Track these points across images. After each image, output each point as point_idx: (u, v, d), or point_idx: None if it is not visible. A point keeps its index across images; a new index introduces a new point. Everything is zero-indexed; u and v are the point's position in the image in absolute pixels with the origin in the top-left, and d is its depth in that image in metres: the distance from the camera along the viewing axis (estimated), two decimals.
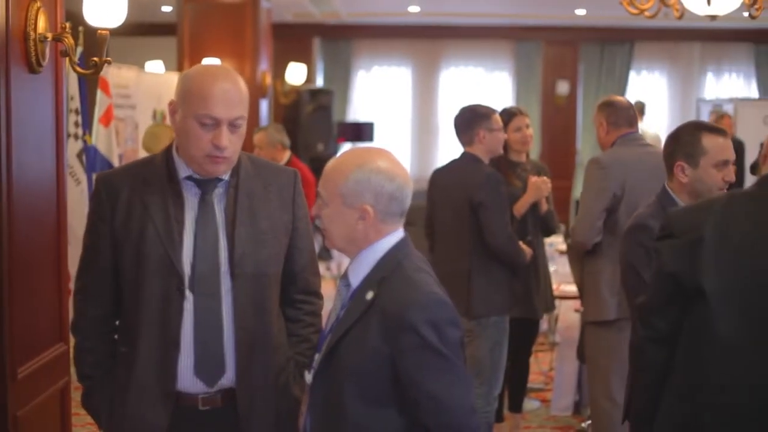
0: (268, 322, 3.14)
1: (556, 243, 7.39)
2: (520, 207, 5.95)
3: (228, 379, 3.07)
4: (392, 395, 2.59)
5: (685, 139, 3.80)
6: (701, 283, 2.76)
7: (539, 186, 5.98)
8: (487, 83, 16.47)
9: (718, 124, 11.90)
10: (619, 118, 5.32)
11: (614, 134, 5.33)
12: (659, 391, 2.95)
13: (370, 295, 2.62)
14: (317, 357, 2.76)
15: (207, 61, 10.25)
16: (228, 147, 2.98)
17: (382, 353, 2.56)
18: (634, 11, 8.40)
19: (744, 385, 2.73)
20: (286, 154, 8.35)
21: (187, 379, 3.05)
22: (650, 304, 2.96)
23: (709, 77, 16.66)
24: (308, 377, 2.78)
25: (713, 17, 8.45)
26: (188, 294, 3.02)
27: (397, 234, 2.72)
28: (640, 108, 11.93)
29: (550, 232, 6.28)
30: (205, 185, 3.08)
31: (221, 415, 3.09)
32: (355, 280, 2.71)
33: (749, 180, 11.90)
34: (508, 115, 6.17)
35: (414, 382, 2.56)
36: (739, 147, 12.01)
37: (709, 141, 3.78)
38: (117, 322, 3.20)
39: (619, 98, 5.47)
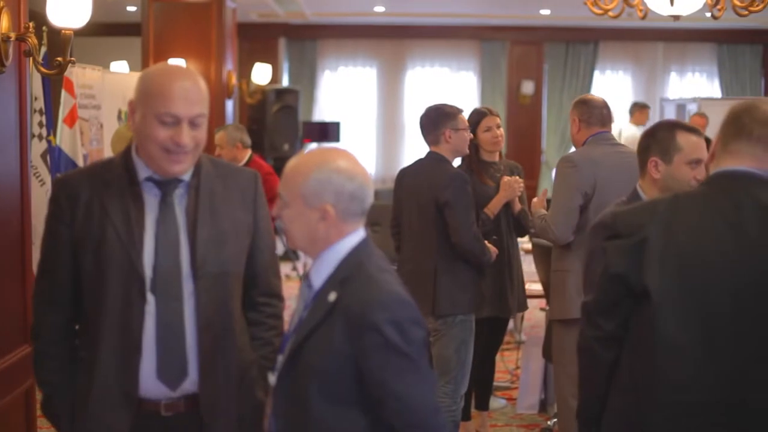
0: (231, 324, 3.12)
1: (521, 242, 7.40)
2: (493, 207, 5.96)
3: (191, 382, 3.04)
4: (356, 395, 2.58)
5: (661, 136, 3.83)
6: (647, 282, 2.77)
7: (512, 185, 6.00)
8: (452, 83, 16.52)
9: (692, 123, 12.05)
10: (592, 116, 5.35)
11: (586, 132, 5.36)
12: (606, 389, 2.96)
13: (332, 296, 2.61)
14: (280, 358, 2.75)
15: (172, 61, 10.19)
16: (188, 144, 2.96)
17: (345, 354, 2.56)
18: (598, 11, 8.44)
19: (698, 384, 2.75)
20: (247, 153, 8.33)
21: (150, 384, 3.01)
22: (596, 305, 2.95)
23: (673, 77, 16.81)
24: (272, 379, 2.77)
25: (676, 17, 8.51)
26: (150, 297, 2.98)
27: (359, 234, 2.71)
28: (641, 107, 11.92)
29: (523, 231, 6.30)
30: (165, 186, 3.04)
31: (184, 421, 3.06)
32: (318, 280, 2.69)
33: None
34: (478, 115, 6.19)
35: (378, 382, 2.56)
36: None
37: (683, 139, 3.82)
38: (77, 327, 3.15)
39: (595, 97, 5.49)
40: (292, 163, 2.72)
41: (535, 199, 5.67)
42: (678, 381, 2.76)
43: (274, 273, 3.33)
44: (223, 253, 3.08)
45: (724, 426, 2.75)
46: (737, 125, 2.87)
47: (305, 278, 2.75)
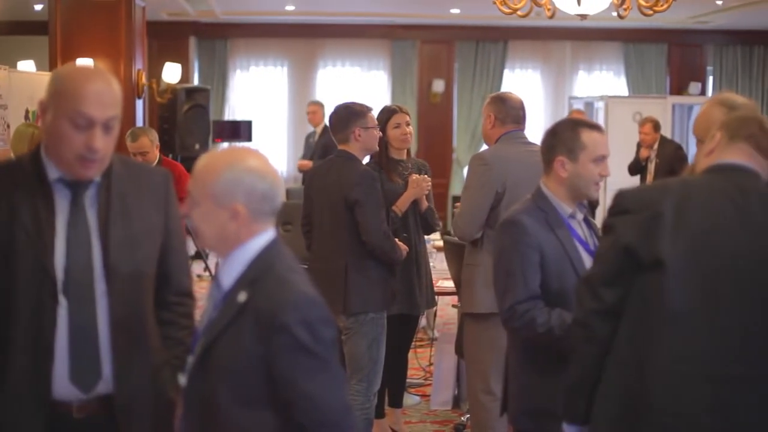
0: (144, 325, 3.10)
1: (433, 239, 7.46)
2: (401, 204, 6.00)
3: (105, 384, 3.02)
4: (267, 395, 2.58)
5: (566, 135, 3.86)
6: (660, 254, 2.90)
7: (419, 183, 6.04)
8: (363, 82, 16.54)
9: (644, 130, 12.00)
10: (507, 115, 5.37)
11: (499, 130, 5.38)
12: (599, 364, 3.03)
13: (242, 296, 2.61)
14: (190, 359, 2.74)
15: (80, 60, 10.07)
16: (101, 149, 2.93)
17: (255, 354, 2.56)
18: (507, 11, 8.55)
19: (700, 356, 2.88)
20: (158, 153, 8.28)
21: (63, 387, 2.98)
22: (601, 275, 3.04)
23: (581, 75, 17.00)
24: (182, 380, 2.76)
25: (583, 16, 8.66)
26: (62, 299, 2.95)
27: (269, 234, 2.71)
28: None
29: (430, 229, 6.35)
30: (76, 187, 3.01)
31: (98, 422, 3.03)
32: (227, 280, 2.69)
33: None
34: (387, 112, 6.23)
35: (288, 382, 2.56)
36: (679, 150, 12.22)
37: (587, 136, 3.85)
38: None
39: (513, 96, 5.51)
40: (202, 162, 2.71)
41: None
42: (681, 352, 2.88)
43: (185, 272, 3.33)
44: (136, 253, 3.06)
45: (724, 398, 2.87)
46: (748, 132, 3.10)
47: (215, 278, 2.74)
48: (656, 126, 11.90)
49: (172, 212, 3.23)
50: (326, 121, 11.76)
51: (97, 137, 2.91)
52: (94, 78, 2.96)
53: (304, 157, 12.86)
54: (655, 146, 11.90)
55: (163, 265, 3.20)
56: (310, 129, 13.16)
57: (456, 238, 5.75)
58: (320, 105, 12.95)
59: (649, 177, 11.84)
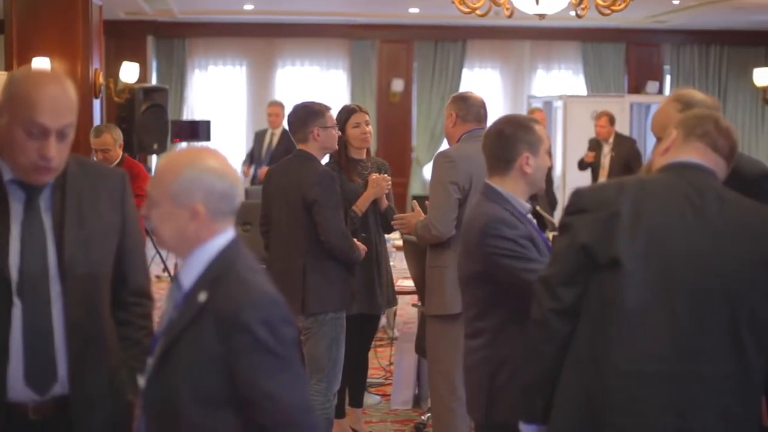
0: (101, 326, 3.08)
1: (393, 238, 7.46)
2: (361, 204, 6.00)
3: (61, 386, 2.99)
4: (228, 396, 2.57)
5: (523, 132, 3.88)
6: (617, 253, 2.91)
7: (379, 183, 6.04)
8: (322, 81, 16.52)
9: (600, 123, 12.20)
10: (468, 113, 5.40)
11: (461, 128, 5.41)
12: (558, 363, 3.04)
13: (203, 297, 2.60)
14: (150, 360, 2.71)
15: (37, 59, 9.99)
16: (54, 158, 2.91)
17: (216, 354, 2.55)
18: (466, 10, 8.55)
19: (652, 354, 2.90)
20: (121, 153, 8.21)
21: (18, 389, 2.95)
22: (558, 275, 3.04)
23: (539, 74, 17.07)
24: (141, 381, 2.73)
25: (542, 16, 8.68)
26: (16, 300, 2.93)
27: (228, 233, 2.69)
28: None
29: (390, 228, 6.35)
30: (30, 188, 2.99)
31: (54, 424, 3.01)
32: (187, 281, 2.67)
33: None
34: (347, 112, 6.22)
35: (249, 382, 2.55)
36: (634, 145, 12.44)
37: (540, 130, 3.92)
38: None
39: (474, 95, 5.54)
40: (161, 163, 2.70)
41: (409, 214, 5.70)
42: (638, 351, 2.90)
43: (143, 272, 3.31)
44: (91, 254, 3.04)
45: (678, 397, 2.89)
46: (703, 130, 3.12)
47: (175, 279, 2.72)
48: (611, 119, 12.10)
49: (130, 212, 3.21)
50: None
51: (51, 146, 2.89)
52: (49, 84, 2.93)
53: (255, 156, 12.81)
54: (611, 140, 12.10)
55: (120, 266, 3.18)
56: (263, 128, 13.14)
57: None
58: (281, 106, 12.85)
59: (603, 172, 12.02)
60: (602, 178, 11.96)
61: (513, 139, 3.90)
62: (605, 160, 12.05)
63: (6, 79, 3.00)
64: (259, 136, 13.13)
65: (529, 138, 3.88)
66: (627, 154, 11.96)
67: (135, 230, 3.24)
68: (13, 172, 2.97)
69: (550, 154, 3.98)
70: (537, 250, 3.79)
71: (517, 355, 3.64)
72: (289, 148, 10.90)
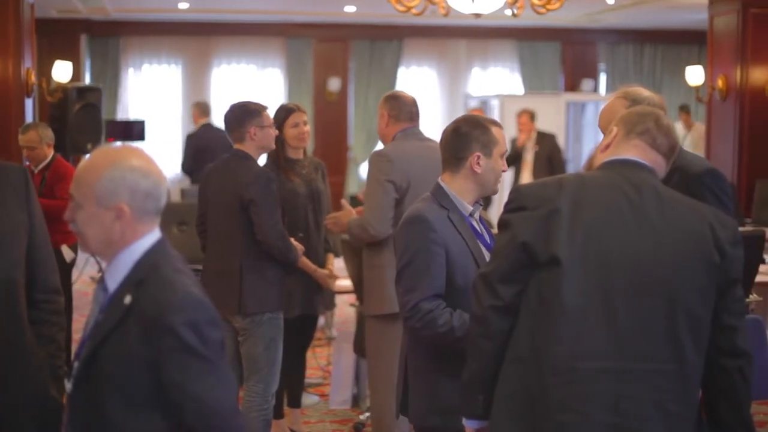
0: (21, 328, 3.04)
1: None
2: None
3: None
4: (155, 399, 2.54)
5: (478, 132, 3.88)
6: (556, 251, 2.93)
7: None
8: (258, 80, 16.46)
9: (522, 120, 12.76)
10: (401, 112, 5.41)
11: (394, 127, 5.41)
12: (498, 360, 3.04)
13: (128, 299, 2.56)
14: (76, 364, 2.67)
15: None
16: None
17: (142, 357, 2.52)
18: (402, 9, 8.56)
19: (591, 351, 2.91)
20: (52, 152, 8.09)
21: None
22: (498, 272, 3.04)
23: (476, 73, 17.13)
24: (68, 386, 2.69)
25: (477, 15, 8.72)
26: None
27: (154, 234, 2.66)
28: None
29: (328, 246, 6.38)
30: None
31: None
32: (113, 283, 2.63)
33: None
34: (285, 111, 6.20)
35: (176, 385, 2.53)
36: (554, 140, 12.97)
37: (497, 132, 3.91)
38: None
39: (405, 94, 5.55)
40: (83, 164, 2.66)
41: (341, 213, 5.69)
42: (577, 348, 2.91)
43: (51, 269, 3.27)
44: (5, 258, 3.00)
45: (616, 394, 2.90)
46: (643, 127, 3.15)
47: (100, 281, 2.68)
48: (532, 116, 12.66)
49: (34, 209, 3.18)
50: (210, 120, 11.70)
51: None
52: None
53: (185, 157, 12.84)
54: (533, 136, 12.59)
55: (29, 264, 3.14)
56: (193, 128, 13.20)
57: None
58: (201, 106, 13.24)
59: (526, 165, 12.45)
60: (525, 173, 12.49)
61: (467, 137, 3.89)
62: (528, 155, 12.53)
63: None
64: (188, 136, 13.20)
65: (483, 138, 3.88)
66: (550, 148, 12.64)
67: (41, 226, 3.20)
68: None
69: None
70: (453, 257, 3.78)
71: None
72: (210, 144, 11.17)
